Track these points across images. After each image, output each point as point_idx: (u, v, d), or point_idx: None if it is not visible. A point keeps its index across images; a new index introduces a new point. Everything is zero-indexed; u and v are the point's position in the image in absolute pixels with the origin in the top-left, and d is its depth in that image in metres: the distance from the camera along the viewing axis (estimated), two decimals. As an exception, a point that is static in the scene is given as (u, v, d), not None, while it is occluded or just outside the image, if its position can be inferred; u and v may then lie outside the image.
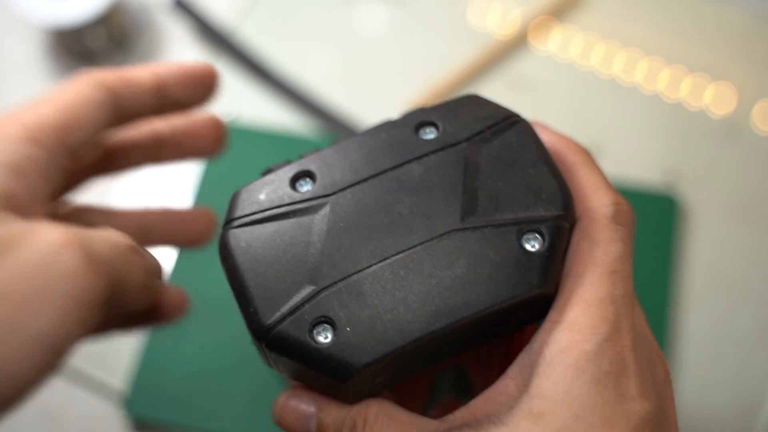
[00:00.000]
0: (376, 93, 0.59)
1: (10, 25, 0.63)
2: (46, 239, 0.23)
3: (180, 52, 0.62)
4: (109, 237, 0.25)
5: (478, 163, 0.31)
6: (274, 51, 0.61)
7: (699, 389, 0.47)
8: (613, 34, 0.61)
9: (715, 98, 0.58)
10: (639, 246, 0.51)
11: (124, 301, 0.26)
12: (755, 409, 0.47)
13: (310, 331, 0.28)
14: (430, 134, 0.32)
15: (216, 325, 0.49)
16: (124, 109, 0.31)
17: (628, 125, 0.57)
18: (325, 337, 0.28)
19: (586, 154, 0.32)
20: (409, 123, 0.32)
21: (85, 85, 0.29)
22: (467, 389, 0.39)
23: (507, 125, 0.32)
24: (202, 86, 0.33)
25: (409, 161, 0.31)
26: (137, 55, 0.62)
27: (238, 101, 0.59)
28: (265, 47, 0.61)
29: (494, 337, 0.31)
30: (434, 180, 0.30)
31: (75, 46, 0.61)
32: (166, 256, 0.51)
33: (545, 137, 0.32)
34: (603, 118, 0.57)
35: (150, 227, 0.32)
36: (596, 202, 0.30)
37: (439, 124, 0.32)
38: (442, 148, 0.31)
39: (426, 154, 0.31)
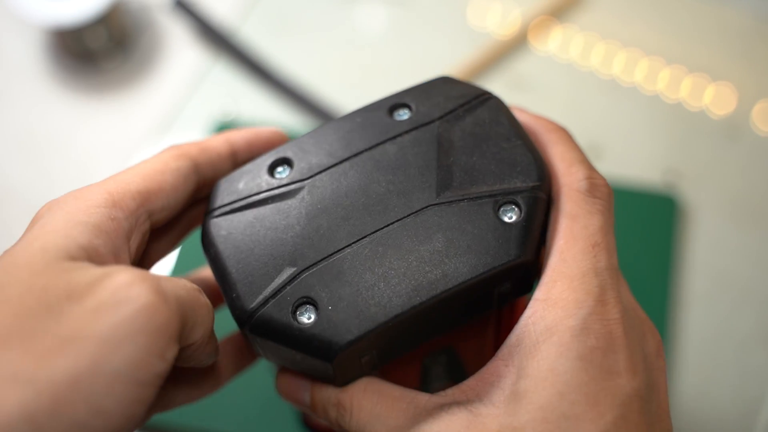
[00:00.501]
0: (376, 93, 0.59)
1: (10, 25, 0.63)
2: (119, 279, 0.24)
3: (180, 52, 0.62)
4: (176, 279, 0.27)
5: (452, 140, 0.31)
6: (274, 51, 0.61)
7: (699, 389, 0.47)
8: (613, 34, 0.61)
9: (715, 98, 0.58)
10: (639, 246, 0.51)
11: (194, 341, 0.27)
12: (755, 409, 0.47)
13: (293, 312, 0.28)
14: (403, 115, 0.32)
15: (216, 325, 0.49)
16: (203, 175, 0.32)
17: (628, 125, 0.57)
18: (308, 318, 0.28)
19: (562, 132, 0.32)
20: (382, 106, 0.32)
21: (169, 156, 0.31)
22: (461, 374, 0.39)
23: (479, 102, 0.32)
24: (272, 148, 0.34)
25: (383, 142, 0.31)
26: (137, 55, 0.62)
27: (238, 101, 0.59)
28: (265, 47, 0.61)
29: (480, 311, 0.31)
30: (409, 158, 0.31)
31: (75, 46, 0.61)
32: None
33: (522, 117, 0.32)
34: (603, 118, 0.57)
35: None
36: (570, 177, 0.30)
37: (412, 105, 0.32)
38: (415, 128, 0.31)
39: (400, 134, 0.31)
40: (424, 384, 0.38)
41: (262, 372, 0.48)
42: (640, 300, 0.49)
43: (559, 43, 0.61)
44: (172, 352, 0.25)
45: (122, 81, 0.61)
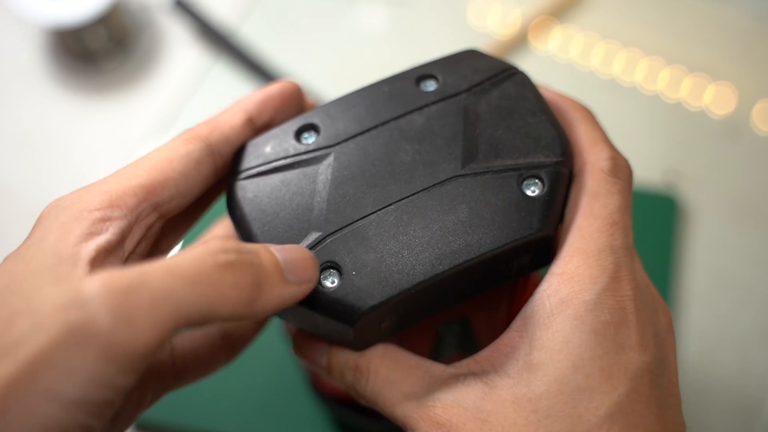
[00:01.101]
0: (376, 93, 0.59)
1: (10, 25, 0.63)
2: (52, 303, 0.23)
3: (180, 52, 0.62)
4: (176, 264, 0.24)
5: (478, 113, 0.31)
6: (274, 51, 0.61)
7: (699, 389, 0.47)
8: (613, 34, 0.61)
9: (715, 98, 0.58)
10: (639, 246, 0.51)
11: (225, 316, 0.25)
12: (755, 409, 0.47)
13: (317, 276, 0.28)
14: (430, 86, 0.32)
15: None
16: (220, 152, 0.31)
17: (628, 125, 0.57)
18: (331, 282, 0.28)
19: (587, 111, 0.32)
20: (409, 76, 0.33)
21: (178, 142, 0.30)
22: (472, 345, 0.39)
23: (506, 76, 0.32)
24: (289, 103, 0.34)
25: (410, 112, 0.31)
26: (137, 55, 0.62)
27: (238, 101, 0.59)
28: (265, 47, 0.61)
29: (498, 283, 0.31)
30: (435, 129, 0.31)
31: (75, 46, 0.61)
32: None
33: (547, 95, 0.33)
34: (603, 118, 0.57)
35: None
36: (594, 156, 0.30)
37: (439, 76, 0.32)
38: (442, 99, 0.32)
39: (427, 105, 0.31)
40: (435, 352, 0.38)
41: (262, 372, 0.48)
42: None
43: (559, 43, 0.61)
44: (115, 380, 0.23)
45: (122, 81, 0.61)
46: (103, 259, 0.26)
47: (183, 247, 0.48)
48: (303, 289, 0.27)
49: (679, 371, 0.47)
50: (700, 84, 0.58)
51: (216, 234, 0.37)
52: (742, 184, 0.54)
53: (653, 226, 0.52)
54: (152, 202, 0.29)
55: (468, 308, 0.35)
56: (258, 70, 0.60)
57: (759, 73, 0.59)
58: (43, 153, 0.59)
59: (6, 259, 0.27)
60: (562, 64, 0.60)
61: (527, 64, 0.60)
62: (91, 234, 0.27)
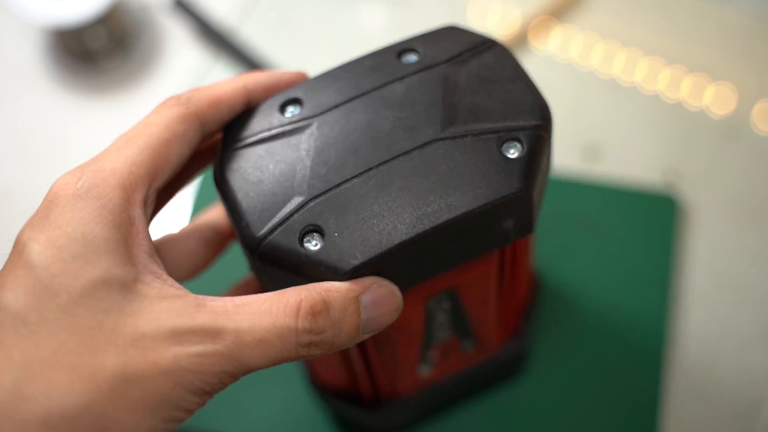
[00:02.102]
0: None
1: (10, 25, 0.63)
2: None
3: (180, 52, 0.62)
4: (264, 339, 0.28)
5: (458, 81, 0.32)
6: (274, 51, 0.61)
7: (699, 389, 0.47)
8: (613, 34, 0.61)
9: (715, 98, 0.58)
10: (639, 246, 0.51)
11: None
12: (755, 409, 0.47)
13: (300, 239, 0.29)
14: (411, 59, 0.33)
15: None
16: (210, 129, 0.32)
17: (628, 125, 0.57)
18: (314, 244, 0.29)
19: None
20: (391, 50, 0.33)
21: (175, 118, 0.30)
22: (464, 327, 0.39)
23: (485, 48, 0.33)
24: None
25: (391, 81, 0.32)
26: (137, 55, 0.62)
27: (238, 101, 0.59)
28: (265, 47, 0.61)
29: (484, 248, 0.32)
30: (416, 96, 0.31)
31: (75, 46, 0.61)
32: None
33: None
34: (603, 118, 0.57)
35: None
36: None
37: (420, 49, 0.33)
38: (423, 69, 0.32)
39: (408, 75, 0.32)
40: (428, 329, 0.38)
41: (262, 372, 0.48)
42: (641, 299, 0.49)
43: (559, 43, 0.61)
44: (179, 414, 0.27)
45: (122, 81, 0.61)
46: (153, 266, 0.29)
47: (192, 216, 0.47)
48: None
49: (679, 371, 0.48)
50: (700, 84, 0.58)
51: (211, 217, 0.38)
52: (742, 184, 0.54)
53: (653, 226, 0.52)
54: (155, 187, 0.30)
55: (458, 282, 0.36)
56: (258, 70, 0.60)
57: (759, 73, 0.59)
58: (42, 153, 0.59)
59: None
60: (562, 64, 0.60)
61: (527, 64, 0.60)
62: (119, 233, 0.28)
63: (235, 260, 0.41)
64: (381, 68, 0.32)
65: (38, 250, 0.27)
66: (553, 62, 0.60)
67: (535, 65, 0.60)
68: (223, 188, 0.31)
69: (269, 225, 0.29)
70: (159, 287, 0.27)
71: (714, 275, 0.51)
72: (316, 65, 0.61)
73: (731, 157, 0.55)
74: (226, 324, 0.27)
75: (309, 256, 0.28)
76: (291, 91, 0.32)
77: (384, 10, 0.63)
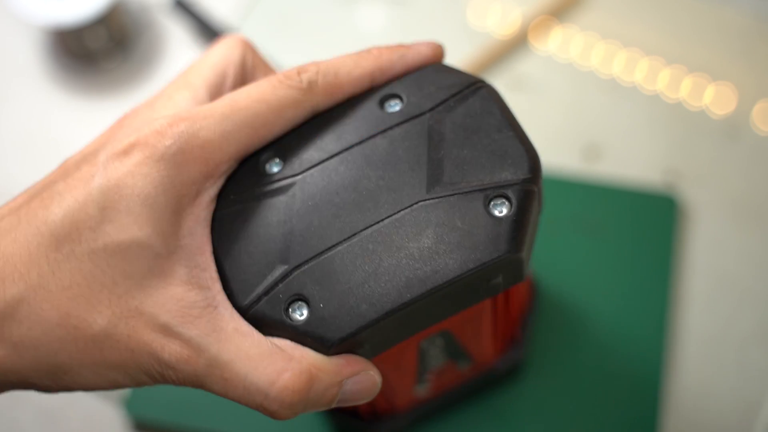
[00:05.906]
0: (376, 93, 0.59)
1: (10, 25, 0.63)
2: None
3: (180, 52, 0.62)
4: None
5: (443, 132, 0.31)
6: (274, 51, 0.61)
7: (699, 389, 0.47)
8: (613, 34, 0.61)
9: (715, 98, 0.58)
10: (639, 246, 0.51)
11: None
12: (755, 409, 0.47)
13: (286, 309, 0.28)
14: (394, 106, 0.32)
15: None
16: (318, 111, 0.32)
17: (628, 125, 0.57)
18: (300, 315, 0.28)
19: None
20: (374, 97, 0.32)
21: (290, 103, 0.30)
22: (459, 352, 0.39)
23: (471, 92, 0.31)
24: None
25: (374, 135, 0.31)
26: (137, 55, 0.62)
27: (238, 101, 0.59)
28: (265, 47, 0.61)
29: (474, 302, 0.31)
30: (399, 153, 0.30)
31: (75, 46, 0.61)
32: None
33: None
34: (603, 118, 0.57)
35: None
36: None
37: (403, 95, 0.32)
38: (406, 120, 0.31)
39: (391, 127, 0.31)
40: (422, 364, 0.38)
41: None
42: (641, 300, 0.49)
43: (559, 43, 0.61)
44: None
45: (122, 81, 0.61)
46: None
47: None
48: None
49: (679, 371, 0.48)
50: (700, 84, 0.58)
51: None
52: (742, 184, 0.54)
53: (653, 226, 0.51)
54: (238, 161, 0.30)
55: (449, 326, 0.35)
56: (258, 70, 0.60)
57: (759, 73, 0.59)
58: (43, 153, 0.59)
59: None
60: (562, 64, 0.60)
61: (527, 64, 0.60)
62: (182, 209, 0.29)
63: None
64: (363, 119, 0.31)
65: (101, 184, 0.28)
66: (553, 62, 0.60)
67: (535, 65, 0.60)
68: (215, 254, 0.30)
69: (254, 294, 0.29)
70: (183, 273, 0.28)
71: (714, 275, 0.51)
72: (316, 65, 0.61)
73: (731, 157, 0.55)
74: (209, 347, 0.27)
75: (296, 327, 0.28)
76: (273, 145, 0.31)
77: (384, 9, 0.63)
